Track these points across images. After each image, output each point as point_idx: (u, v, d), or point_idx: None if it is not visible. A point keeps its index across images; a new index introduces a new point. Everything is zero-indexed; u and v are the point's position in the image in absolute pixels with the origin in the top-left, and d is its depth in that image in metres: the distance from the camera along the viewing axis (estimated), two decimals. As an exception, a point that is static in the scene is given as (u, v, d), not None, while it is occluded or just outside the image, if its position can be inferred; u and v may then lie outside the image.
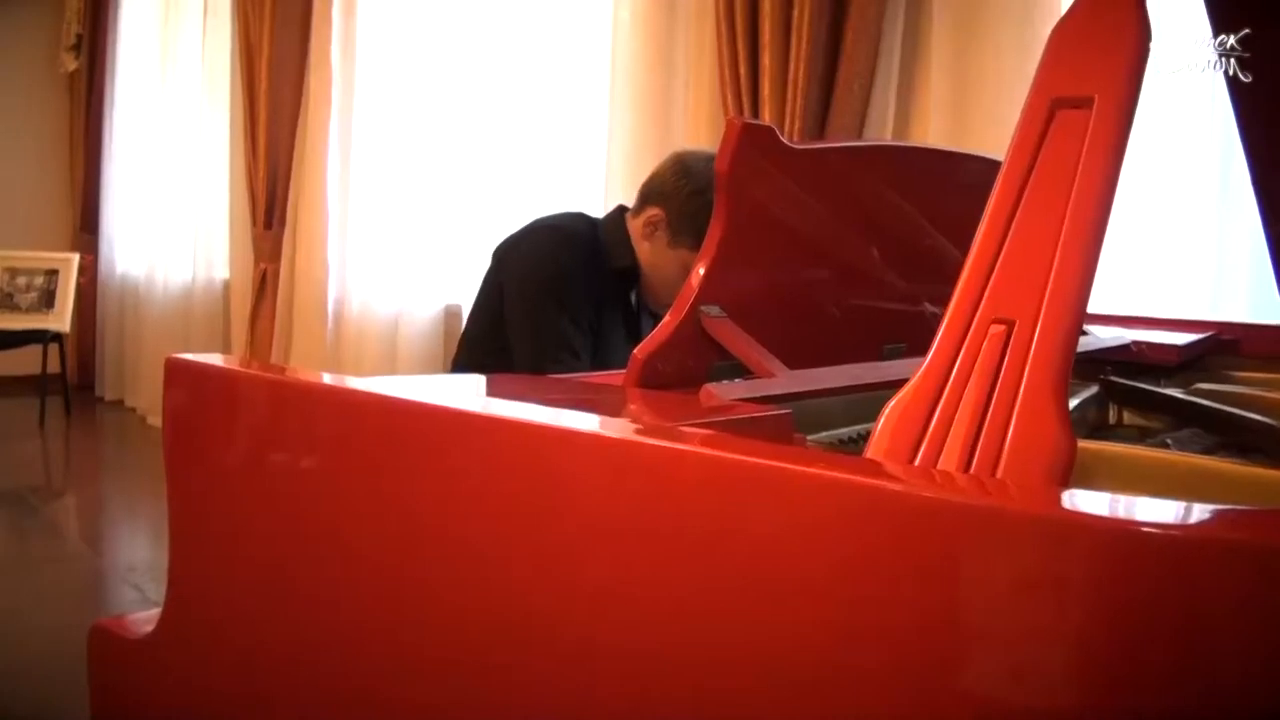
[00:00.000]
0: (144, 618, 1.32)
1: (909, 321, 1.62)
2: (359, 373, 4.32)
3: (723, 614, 0.75)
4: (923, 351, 1.62)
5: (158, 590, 3.70)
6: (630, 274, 2.07)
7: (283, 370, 1.15)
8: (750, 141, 1.19)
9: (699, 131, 3.46)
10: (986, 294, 0.78)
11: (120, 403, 6.84)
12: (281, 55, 5.05)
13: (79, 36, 7.17)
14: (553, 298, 1.96)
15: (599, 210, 3.62)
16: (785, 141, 1.24)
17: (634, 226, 2.09)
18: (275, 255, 5.17)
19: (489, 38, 4.30)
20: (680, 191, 2.01)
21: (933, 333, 1.65)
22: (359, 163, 4.85)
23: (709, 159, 1.98)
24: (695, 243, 1.87)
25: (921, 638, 0.69)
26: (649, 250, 2.06)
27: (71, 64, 7.23)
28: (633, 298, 2.11)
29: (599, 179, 3.73)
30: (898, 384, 1.47)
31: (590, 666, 0.85)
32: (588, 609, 0.84)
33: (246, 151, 5.25)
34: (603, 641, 0.84)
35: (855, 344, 1.49)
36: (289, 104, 5.08)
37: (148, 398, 6.39)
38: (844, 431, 1.40)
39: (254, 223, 5.22)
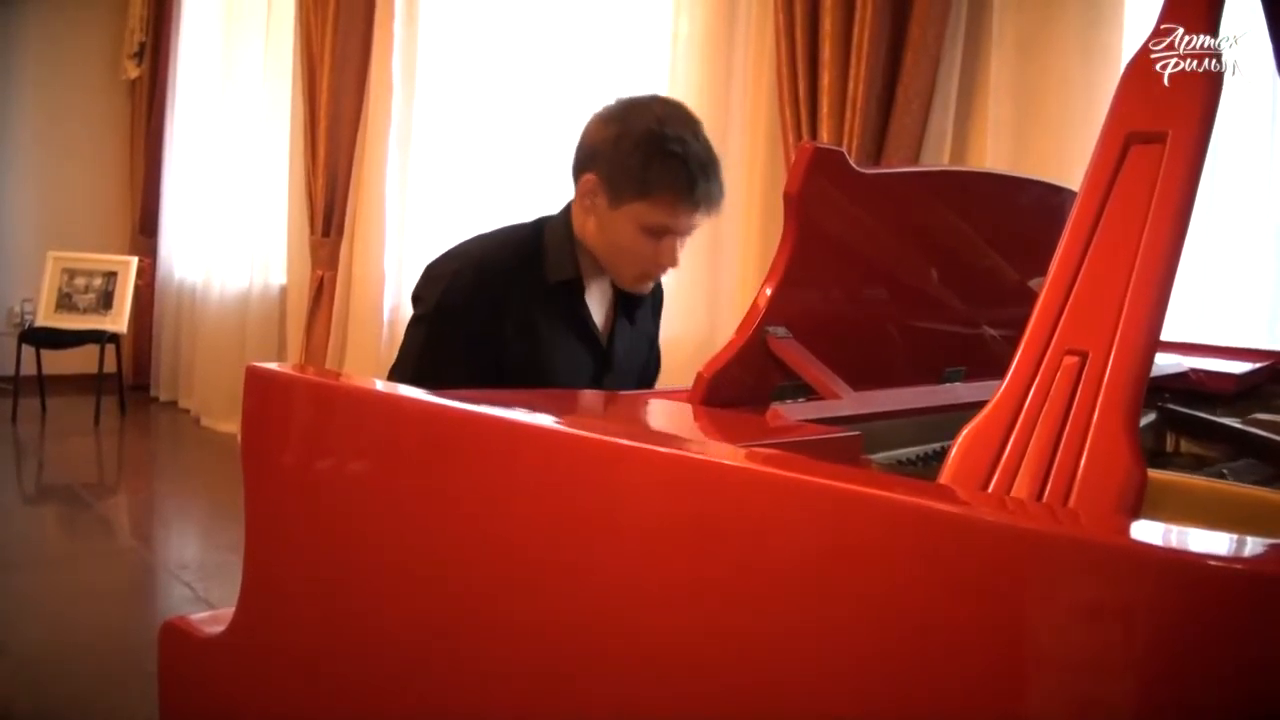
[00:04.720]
0: (214, 617, 1.35)
1: (969, 345, 1.64)
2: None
3: (787, 633, 0.77)
4: (982, 375, 1.64)
5: (208, 588, 3.75)
6: (577, 286, 1.81)
7: (359, 381, 1.19)
8: (821, 165, 1.21)
9: (756, 148, 3.49)
10: (1060, 325, 0.80)
11: (174, 404, 6.96)
12: (342, 65, 5.13)
13: (141, 44, 7.31)
14: (436, 339, 1.73)
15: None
16: (854, 166, 1.26)
17: (576, 211, 1.81)
18: (332, 263, 5.24)
19: (548, 52, 4.35)
20: (610, 140, 1.72)
21: (992, 357, 1.67)
22: (417, 172, 4.92)
23: (643, 100, 1.78)
24: (639, 192, 1.70)
25: (989, 662, 0.70)
26: (595, 227, 1.77)
27: (134, 71, 7.37)
28: (589, 306, 1.85)
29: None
30: (961, 407, 1.49)
31: (645, 676, 0.87)
32: (654, 621, 0.86)
33: (306, 160, 5.33)
34: (663, 653, 0.86)
35: (916, 366, 1.50)
36: (349, 114, 5.16)
37: (202, 399, 6.49)
38: (905, 452, 1.41)
39: (312, 230, 5.30)
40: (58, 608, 3.56)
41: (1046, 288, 0.82)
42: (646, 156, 1.69)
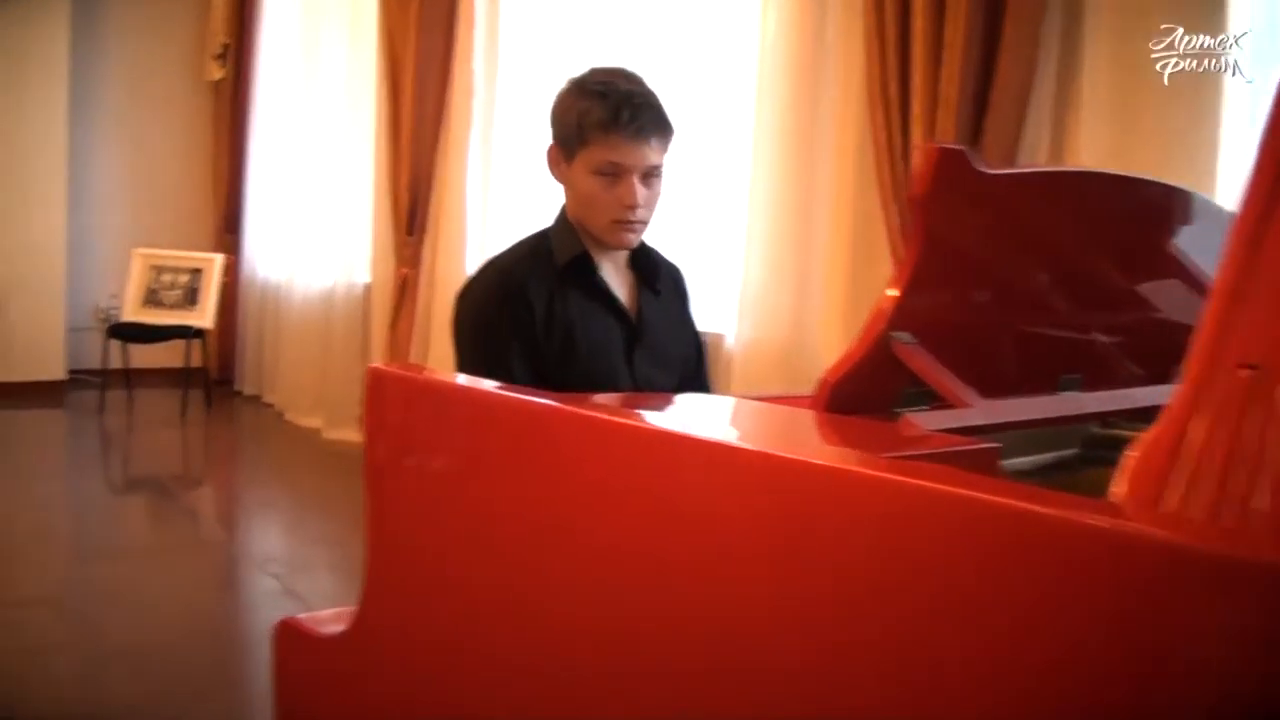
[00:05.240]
0: (331, 615, 1.37)
1: (1086, 352, 1.60)
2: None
3: (945, 650, 0.75)
4: (1098, 383, 1.60)
5: (295, 581, 3.79)
6: (586, 260, 1.93)
7: (487, 384, 1.19)
8: (947, 166, 1.19)
9: (845, 149, 3.45)
10: (1230, 337, 0.77)
11: (258, 398, 7.07)
12: (425, 65, 5.16)
13: (225, 46, 7.45)
14: (479, 354, 1.83)
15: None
16: (978, 166, 1.23)
17: (564, 191, 1.97)
18: (416, 261, 5.28)
19: (633, 51, 4.33)
20: (554, 109, 1.92)
21: (1107, 364, 1.63)
22: (500, 172, 4.94)
23: (589, 69, 1.93)
24: (579, 139, 1.84)
25: (1167, 684, 0.68)
26: (569, 194, 1.93)
27: (217, 73, 7.52)
28: (606, 279, 1.94)
29: (743, 194, 3.74)
30: (1088, 418, 1.46)
31: (778, 688, 0.86)
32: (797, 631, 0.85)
33: (390, 159, 5.37)
34: (801, 667, 0.84)
35: (1033, 373, 1.47)
36: (432, 113, 5.19)
37: (286, 394, 6.59)
38: (1018, 462, 1.38)
39: (396, 229, 5.34)
40: (149, 598, 3.61)
41: (1213, 297, 0.79)
42: (577, 106, 1.86)
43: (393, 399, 1.23)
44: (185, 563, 4.09)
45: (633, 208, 1.86)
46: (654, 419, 0.98)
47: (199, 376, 6.86)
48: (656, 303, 2.02)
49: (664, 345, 2.01)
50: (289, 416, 6.45)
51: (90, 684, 2.89)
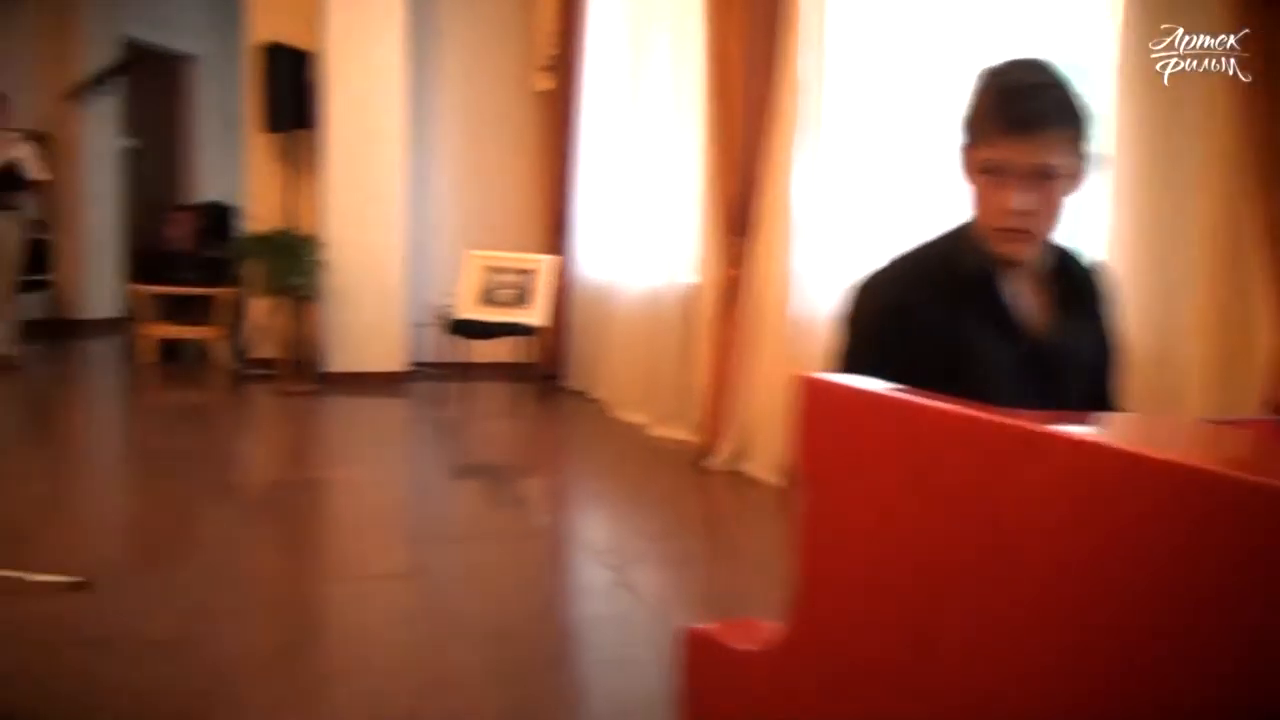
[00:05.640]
0: (741, 628, 1.37)
1: None
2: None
3: None
4: None
5: (630, 573, 3.89)
6: (985, 273, 1.78)
7: (928, 398, 1.15)
8: None
9: (1213, 141, 3.15)
10: None
11: (583, 394, 7.34)
12: (752, 65, 5.16)
13: (551, 58, 7.77)
14: (856, 363, 1.74)
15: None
16: None
17: None
18: (744, 262, 5.29)
19: (973, 45, 4.14)
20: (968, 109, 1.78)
21: None
22: (830, 171, 4.87)
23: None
24: (971, 137, 1.75)
25: None
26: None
27: (545, 83, 7.87)
28: (1016, 297, 1.80)
29: (1104, 197, 3.49)
30: None
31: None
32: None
33: (718, 161, 5.39)
34: None
35: None
36: (758, 113, 5.18)
37: (612, 390, 6.82)
38: None
39: (724, 230, 5.37)
40: (489, 579, 3.84)
41: None
42: (973, 100, 1.76)
43: (829, 409, 1.20)
44: (521, 548, 4.30)
45: (1009, 212, 1.71)
46: (1140, 445, 0.91)
47: (529, 371, 7.22)
48: (1071, 323, 1.84)
49: (1066, 374, 1.83)
50: (615, 412, 6.66)
51: (434, 654, 3.08)
